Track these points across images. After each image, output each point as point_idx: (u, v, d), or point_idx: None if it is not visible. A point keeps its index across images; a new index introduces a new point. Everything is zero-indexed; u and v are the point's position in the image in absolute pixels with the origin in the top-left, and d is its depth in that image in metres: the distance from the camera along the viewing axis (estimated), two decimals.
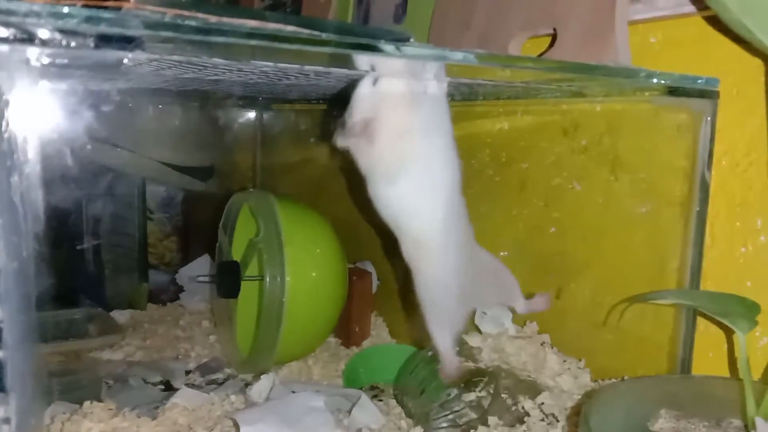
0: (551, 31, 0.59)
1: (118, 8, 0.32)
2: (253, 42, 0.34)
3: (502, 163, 0.71)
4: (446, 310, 0.54)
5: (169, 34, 0.32)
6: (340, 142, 0.47)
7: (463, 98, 0.67)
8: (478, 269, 0.55)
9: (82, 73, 0.59)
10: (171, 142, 1.15)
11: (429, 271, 0.52)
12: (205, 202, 1.17)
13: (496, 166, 0.71)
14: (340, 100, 0.48)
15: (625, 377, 0.58)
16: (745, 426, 0.42)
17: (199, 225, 1.19)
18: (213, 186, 1.17)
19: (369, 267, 0.91)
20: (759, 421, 0.40)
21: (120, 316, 1.03)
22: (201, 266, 1.11)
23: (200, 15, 0.35)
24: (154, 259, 1.21)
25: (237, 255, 0.83)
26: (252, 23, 0.35)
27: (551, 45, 0.59)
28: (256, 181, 1.22)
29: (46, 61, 0.48)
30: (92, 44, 0.30)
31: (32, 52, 0.41)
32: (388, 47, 0.36)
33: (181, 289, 1.13)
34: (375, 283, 0.90)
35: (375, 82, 0.47)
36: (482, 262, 0.57)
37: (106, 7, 0.32)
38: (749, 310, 0.42)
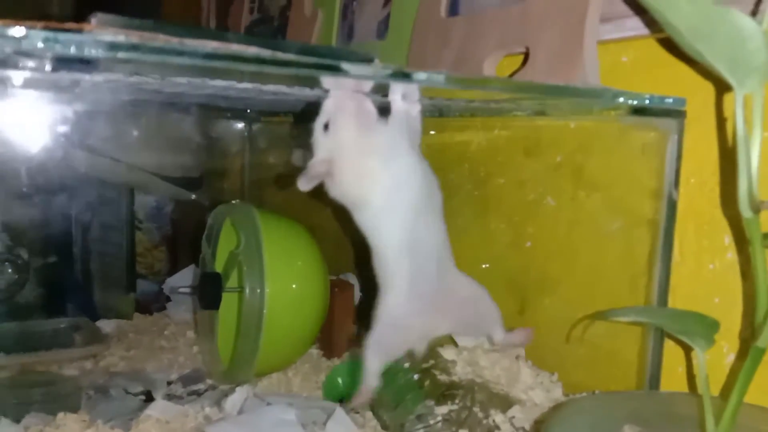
0: (525, 50, 0.60)
1: (79, 30, 0.33)
2: (213, 63, 0.34)
3: (479, 178, 0.72)
4: (384, 335, 0.51)
5: (129, 55, 0.32)
6: (303, 186, 0.48)
7: (440, 114, 0.68)
8: (456, 297, 0.54)
9: (66, 84, 0.60)
10: (160, 153, 1.15)
11: (383, 291, 0.51)
12: (194, 212, 1.18)
13: (473, 181, 0.72)
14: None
15: (596, 392, 0.59)
16: None
17: (188, 235, 1.20)
18: (202, 197, 1.18)
19: (352, 279, 0.92)
20: None
21: (106, 325, 1.03)
22: (187, 277, 1.12)
23: (162, 36, 0.35)
24: (143, 269, 1.21)
25: (220, 267, 0.84)
26: (213, 44, 0.36)
27: (524, 63, 0.60)
28: (244, 193, 1.23)
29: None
30: (49, 66, 0.31)
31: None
32: (348, 68, 0.37)
33: (168, 299, 1.13)
34: (357, 295, 0.91)
35: (326, 125, 0.48)
36: (461, 290, 0.54)
37: (66, 29, 0.32)
38: (708, 328, 0.43)
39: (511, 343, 0.57)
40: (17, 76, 0.50)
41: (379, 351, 0.51)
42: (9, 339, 0.94)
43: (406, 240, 0.49)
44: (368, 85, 0.44)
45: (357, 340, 0.54)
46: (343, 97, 0.47)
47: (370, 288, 0.89)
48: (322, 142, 0.49)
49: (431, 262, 0.51)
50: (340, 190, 0.49)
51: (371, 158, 0.48)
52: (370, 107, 0.48)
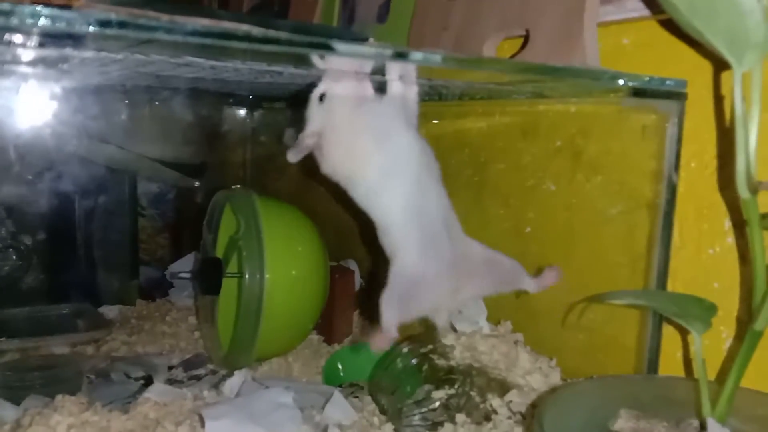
0: (524, 33, 0.60)
1: (69, 6, 0.33)
2: (202, 40, 0.34)
3: (479, 163, 0.71)
4: (397, 288, 0.52)
5: (117, 32, 0.32)
6: (291, 157, 0.51)
7: (439, 98, 0.67)
8: (475, 260, 0.55)
9: (68, 68, 0.60)
10: (163, 140, 1.15)
11: (393, 257, 0.52)
12: (196, 198, 1.18)
13: (472, 166, 0.72)
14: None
15: (594, 377, 0.58)
16: (702, 426, 0.42)
17: (191, 222, 1.20)
18: (205, 183, 1.18)
19: (352, 265, 0.92)
20: (710, 422, 0.40)
21: (109, 311, 1.04)
22: (190, 263, 1.12)
23: (152, 13, 0.35)
24: (146, 255, 1.21)
25: (221, 253, 0.84)
26: (204, 22, 0.36)
27: (523, 46, 0.59)
28: (246, 179, 1.23)
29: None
30: (35, 42, 0.31)
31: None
32: (339, 47, 0.36)
33: (171, 285, 1.13)
34: (358, 281, 0.90)
35: (321, 98, 0.49)
36: (477, 253, 0.56)
37: (55, 5, 0.32)
38: (706, 311, 0.42)
39: (545, 285, 0.57)
40: (17, 57, 0.50)
41: (393, 303, 0.51)
42: (13, 324, 0.95)
43: (409, 210, 0.50)
44: (368, 65, 0.44)
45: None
46: (342, 73, 0.47)
47: (371, 274, 0.89)
48: (314, 113, 0.50)
49: (440, 227, 0.52)
50: (331, 165, 0.51)
51: (364, 136, 0.49)
52: (368, 85, 0.48)
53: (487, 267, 0.56)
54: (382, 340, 0.51)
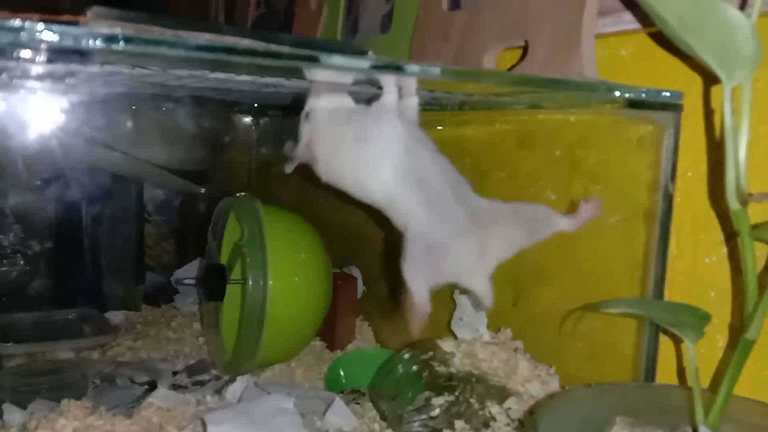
0: (524, 44, 0.61)
1: (75, 22, 0.34)
2: (206, 54, 0.35)
3: (479, 172, 0.72)
4: (418, 254, 0.51)
5: (122, 47, 0.33)
6: (287, 169, 0.55)
7: (441, 108, 0.68)
8: (496, 216, 0.55)
9: (74, 81, 0.61)
10: (169, 147, 1.17)
11: (406, 229, 0.53)
12: (202, 205, 1.19)
13: (473, 174, 0.73)
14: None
15: (591, 384, 0.59)
16: None
17: (196, 228, 1.21)
18: (211, 190, 1.19)
19: (355, 272, 0.93)
20: (702, 429, 0.40)
21: (114, 317, 1.05)
22: (195, 269, 1.13)
23: (156, 28, 0.36)
24: (152, 261, 1.23)
25: (225, 259, 0.85)
26: (207, 37, 0.37)
27: (523, 57, 0.60)
28: (251, 187, 1.24)
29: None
30: (44, 58, 0.32)
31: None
32: (338, 61, 0.37)
33: (176, 291, 1.14)
34: (360, 288, 0.91)
35: (306, 115, 0.53)
36: (497, 210, 0.56)
37: (62, 21, 0.33)
38: (699, 320, 0.43)
39: (584, 220, 0.56)
40: (24, 70, 0.51)
41: (417, 268, 0.51)
42: (19, 329, 0.96)
43: (403, 176, 0.51)
44: (349, 77, 0.46)
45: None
46: (324, 89, 0.51)
47: (375, 281, 0.90)
48: (304, 130, 0.54)
49: (444, 188, 0.52)
50: (324, 168, 0.53)
51: (343, 128, 0.52)
52: (346, 97, 0.52)
53: (512, 220, 0.56)
54: (418, 314, 0.50)
